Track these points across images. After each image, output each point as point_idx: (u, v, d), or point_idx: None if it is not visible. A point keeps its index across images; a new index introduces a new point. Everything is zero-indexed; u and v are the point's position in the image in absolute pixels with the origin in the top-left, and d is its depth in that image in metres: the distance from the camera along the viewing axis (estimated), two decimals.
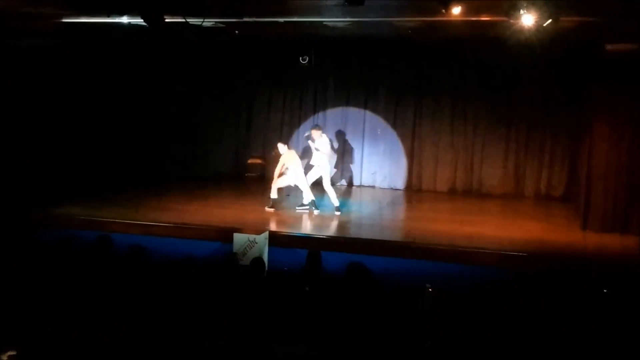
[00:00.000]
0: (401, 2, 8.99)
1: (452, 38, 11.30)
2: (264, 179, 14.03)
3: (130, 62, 13.85)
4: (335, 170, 13.66)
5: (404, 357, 4.07)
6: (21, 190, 11.14)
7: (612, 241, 9.68)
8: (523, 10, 8.29)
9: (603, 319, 5.16)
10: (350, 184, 14.33)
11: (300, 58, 12.88)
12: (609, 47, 9.83)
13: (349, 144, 14.23)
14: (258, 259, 6.52)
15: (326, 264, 6.82)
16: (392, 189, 14.08)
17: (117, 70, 13.56)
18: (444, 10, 8.39)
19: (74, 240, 6.50)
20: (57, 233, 8.98)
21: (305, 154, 12.30)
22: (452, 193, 13.66)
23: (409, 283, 6.80)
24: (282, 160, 11.02)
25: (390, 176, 14.17)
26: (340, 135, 14.19)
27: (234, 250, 8.31)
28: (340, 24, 10.33)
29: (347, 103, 14.32)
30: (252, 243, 8.47)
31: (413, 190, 13.93)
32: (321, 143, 11.14)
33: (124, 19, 10.19)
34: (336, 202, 10.94)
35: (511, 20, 8.67)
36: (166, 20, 9.37)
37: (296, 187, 11.17)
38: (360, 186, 14.30)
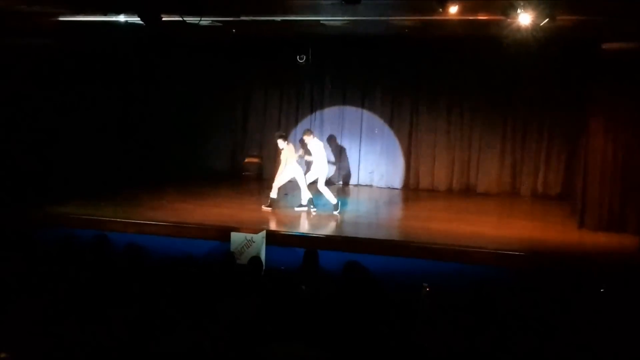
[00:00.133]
0: (398, 1, 8.99)
1: (449, 37, 11.30)
2: (261, 177, 14.03)
3: (128, 62, 13.82)
4: (333, 170, 13.64)
5: (403, 356, 4.07)
6: (21, 190, 11.13)
7: (609, 240, 9.70)
8: (520, 9, 8.29)
9: (601, 318, 5.17)
10: (347, 183, 14.33)
11: (298, 57, 12.87)
12: (605, 46, 9.85)
13: (346, 143, 14.25)
14: (255, 258, 6.51)
15: (323, 263, 6.81)
16: (389, 188, 14.09)
17: (116, 70, 13.53)
18: (440, 9, 8.39)
19: (73, 240, 6.48)
20: (56, 232, 8.96)
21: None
22: (449, 192, 13.67)
23: (406, 282, 6.80)
24: (283, 157, 11.01)
25: (387, 175, 14.18)
26: (337, 135, 14.20)
27: (232, 249, 8.30)
28: (337, 23, 10.32)
29: (344, 102, 14.32)
30: (249, 242, 8.46)
31: (410, 189, 13.94)
32: (314, 147, 11.14)
33: (121, 18, 10.17)
34: (333, 201, 10.94)
35: (508, 20, 8.68)
36: (163, 19, 9.36)
37: (293, 185, 11.15)
38: (357, 185, 14.31)
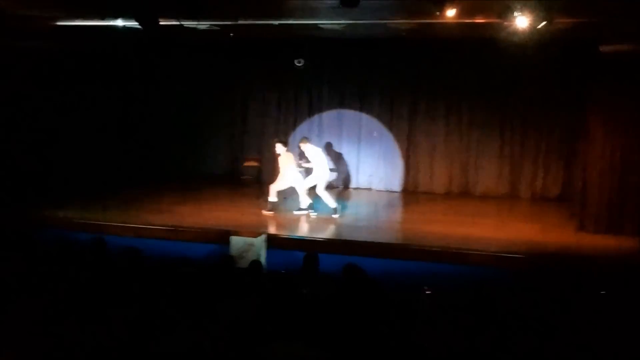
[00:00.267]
0: (395, 4, 9.00)
1: (448, 40, 11.33)
2: (260, 181, 14.02)
3: (128, 63, 13.84)
4: (333, 174, 13.61)
5: (402, 356, 4.07)
6: (21, 190, 11.13)
7: (608, 242, 9.69)
8: (517, 12, 8.31)
9: (601, 319, 5.17)
10: (346, 186, 14.33)
11: (295, 61, 12.88)
12: (603, 48, 9.86)
13: (345, 146, 14.25)
14: (256, 262, 6.52)
15: (324, 266, 6.81)
16: (388, 191, 14.09)
17: (115, 71, 13.56)
18: (438, 13, 8.41)
19: (72, 241, 6.48)
20: (56, 233, 8.99)
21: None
22: (449, 194, 13.68)
23: (406, 285, 6.80)
24: (281, 162, 11.01)
25: (386, 178, 14.18)
26: (336, 138, 14.20)
27: (231, 253, 8.30)
28: (334, 26, 10.33)
29: (343, 105, 14.33)
30: (249, 246, 8.46)
31: (409, 192, 13.94)
32: (311, 153, 11.13)
33: (119, 22, 10.19)
34: (333, 204, 10.93)
35: (505, 23, 8.70)
36: (161, 23, 9.37)
37: (292, 189, 11.15)
38: (356, 188, 14.31)
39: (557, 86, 12.67)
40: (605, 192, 10.18)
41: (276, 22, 10.07)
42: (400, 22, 10.03)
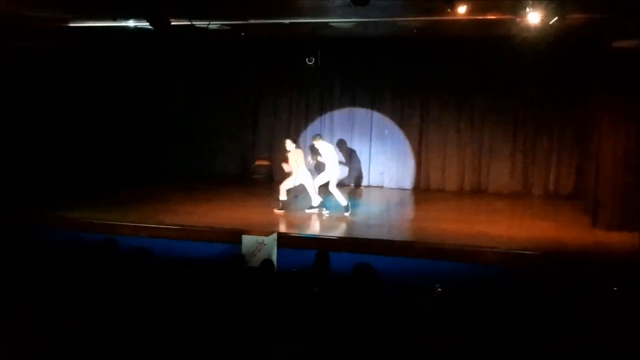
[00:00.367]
0: (406, 2, 8.98)
1: (458, 37, 11.28)
2: (272, 180, 14.03)
3: (133, 63, 13.88)
4: (345, 172, 13.61)
5: (401, 355, 4.06)
6: (21, 190, 11.19)
7: (622, 239, 9.62)
8: (529, 8, 8.27)
9: (604, 319, 5.13)
10: (358, 184, 14.32)
11: (307, 59, 12.88)
12: (615, 44, 9.78)
13: (357, 145, 14.23)
14: (267, 261, 6.51)
15: (335, 265, 6.80)
16: (400, 189, 14.07)
17: (118, 71, 13.59)
18: (449, 10, 8.38)
19: (75, 241, 6.49)
20: (57, 233, 9.02)
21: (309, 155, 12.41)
22: (460, 192, 13.64)
23: (418, 283, 6.78)
24: (291, 158, 11.02)
25: (397, 176, 14.16)
26: (347, 136, 14.19)
27: (243, 252, 8.30)
28: (345, 25, 10.33)
29: (354, 103, 14.32)
30: (260, 245, 8.46)
31: (421, 190, 13.92)
32: (324, 150, 11.12)
33: (130, 23, 10.23)
34: (344, 202, 10.92)
35: (517, 19, 8.65)
36: (172, 23, 9.40)
37: (302, 187, 11.15)
38: (368, 186, 14.30)
39: (569, 84, 12.58)
40: (618, 189, 10.12)
41: (287, 21, 10.07)
42: (411, 20, 10.01)
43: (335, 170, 11.11)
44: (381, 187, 14.25)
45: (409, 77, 13.81)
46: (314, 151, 11.37)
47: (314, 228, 10.53)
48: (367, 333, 4.26)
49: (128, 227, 9.96)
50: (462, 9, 8.50)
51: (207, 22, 9.92)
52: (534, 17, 8.37)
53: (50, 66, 12.24)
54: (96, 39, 11.90)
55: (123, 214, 10.70)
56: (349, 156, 14.13)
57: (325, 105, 14.52)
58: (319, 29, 10.75)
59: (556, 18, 8.28)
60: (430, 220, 11.07)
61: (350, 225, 10.55)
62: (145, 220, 10.32)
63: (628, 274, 7.79)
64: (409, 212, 12.77)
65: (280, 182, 11.33)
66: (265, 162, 14.49)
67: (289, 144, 11.10)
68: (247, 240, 8.55)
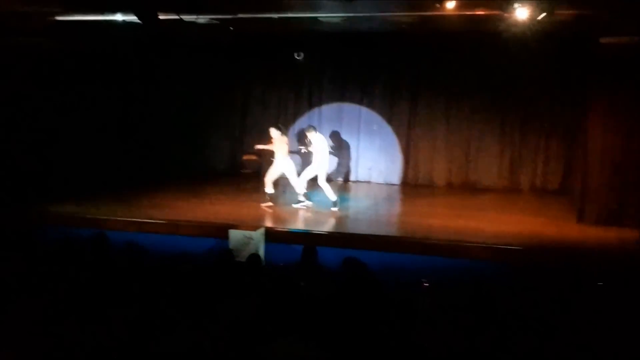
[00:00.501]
0: None
1: (448, 33, 11.29)
2: (260, 175, 14.00)
3: (127, 62, 13.81)
4: (333, 166, 13.63)
5: (401, 355, 4.07)
6: (21, 190, 11.14)
7: (608, 234, 9.69)
8: (517, 4, 8.30)
9: (601, 316, 5.17)
10: (346, 179, 14.33)
11: (295, 54, 12.87)
12: (603, 40, 9.84)
13: (345, 140, 14.23)
14: (254, 256, 6.52)
15: (322, 260, 6.82)
16: (388, 184, 14.09)
17: (115, 70, 13.51)
18: (438, 5, 8.39)
19: (73, 239, 6.49)
20: (56, 231, 9.00)
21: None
22: (449, 187, 13.69)
23: (406, 278, 6.81)
24: (275, 146, 11.01)
25: (386, 171, 14.19)
26: (335, 131, 14.18)
27: (230, 247, 8.30)
28: (335, 20, 10.31)
29: (343, 98, 14.32)
30: (248, 239, 8.46)
31: (409, 185, 13.95)
32: (318, 142, 11.10)
33: (118, 17, 10.17)
34: (333, 197, 10.92)
35: (506, 15, 8.68)
36: (160, 17, 9.36)
37: (287, 180, 11.14)
38: (356, 181, 14.32)
39: (557, 79, 12.65)
40: (605, 184, 10.19)
41: (276, 16, 10.05)
42: (400, 15, 10.00)
43: (324, 163, 11.08)
44: (369, 182, 14.28)
45: (398, 72, 13.82)
46: (305, 141, 11.33)
47: (302, 223, 10.53)
48: (365, 331, 4.28)
49: (117, 221, 9.92)
50: (450, 5, 8.53)
51: (196, 17, 9.89)
52: (522, 13, 8.40)
53: (50, 66, 12.13)
54: (94, 36, 11.85)
55: (112, 209, 10.65)
56: (338, 151, 14.12)
57: (313, 100, 14.51)
58: (308, 24, 10.72)
59: (544, 14, 8.31)
60: (418, 215, 11.09)
61: (338, 220, 10.55)
62: (133, 215, 10.29)
63: (614, 269, 7.87)
64: (397, 207, 12.81)
65: (265, 175, 11.32)
66: (254, 157, 14.45)
67: (273, 132, 11.09)
68: (235, 235, 8.55)
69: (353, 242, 9.07)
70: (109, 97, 13.54)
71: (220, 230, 9.06)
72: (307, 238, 9.10)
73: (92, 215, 10.20)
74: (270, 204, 11.04)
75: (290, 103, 14.65)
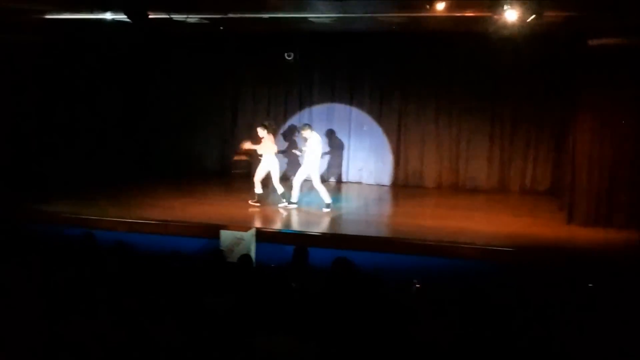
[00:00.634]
0: None
1: (438, 34, 11.34)
2: (250, 174, 13.99)
3: (118, 62, 13.77)
4: (323, 167, 13.62)
5: (392, 351, 4.08)
6: (20, 186, 11.11)
7: (597, 235, 9.75)
8: (507, 5, 8.33)
9: (591, 315, 5.20)
10: (336, 180, 14.32)
11: (286, 54, 12.86)
12: (591, 42, 9.90)
13: (335, 140, 14.22)
14: (245, 256, 6.50)
15: (313, 260, 6.82)
16: (378, 185, 14.10)
17: (106, 70, 13.49)
18: (428, 6, 8.41)
19: (61, 237, 6.47)
20: (45, 228, 8.97)
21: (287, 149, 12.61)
22: (439, 188, 13.70)
23: (396, 278, 6.81)
24: (262, 145, 11.02)
25: (376, 172, 14.19)
26: (326, 131, 14.18)
27: (221, 247, 8.29)
28: (325, 20, 10.32)
29: (333, 98, 14.31)
30: (239, 240, 8.45)
31: (399, 186, 13.96)
32: (313, 141, 11.07)
33: (108, 15, 10.13)
34: (327, 200, 10.92)
35: (495, 16, 8.71)
36: (150, 16, 9.32)
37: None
38: (346, 182, 14.31)
39: (546, 80, 12.69)
40: (594, 185, 10.25)
41: (266, 16, 10.04)
42: (390, 16, 10.02)
43: (315, 163, 11.06)
44: (359, 183, 14.27)
45: (388, 72, 13.82)
46: (296, 140, 11.31)
47: (293, 223, 10.53)
48: (353, 326, 4.28)
49: (107, 221, 9.88)
50: (440, 6, 8.55)
51: (186, 16, 9.86)
52: (511, 15, 8.43)
53: (44, 63, 12.13)
54: (85, 34, 11.83)
55: (102, 208, 10.61)
56: (328, 152, 14.12)
57: (304, 100, 14.49)
58: (298, 23, 10.72)
59: (534, 16, 8.35)
60: (409, 215, 11.11)
61: (329, 220, 10.56)
62: (123, 214, 10.25)
63: (603, 270, 7.91)
64: (387, 208, 12.82)
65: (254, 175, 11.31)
66: (244, 157, 14.41)
67: (260, 131, 11.08)
68: (226, 235, 8.54)
69: (344, 243, 9.08)
70: (98, 97, 13.50)
71: (211, 231, 9.05)
72: (298, 239, 9.10)
73: (83, 214, 10.16)
74: (258, 204, 11.03)
75: (280, 103, 14.62)
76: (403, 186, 13.94)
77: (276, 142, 11.52)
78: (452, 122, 13.64)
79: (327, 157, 13.98)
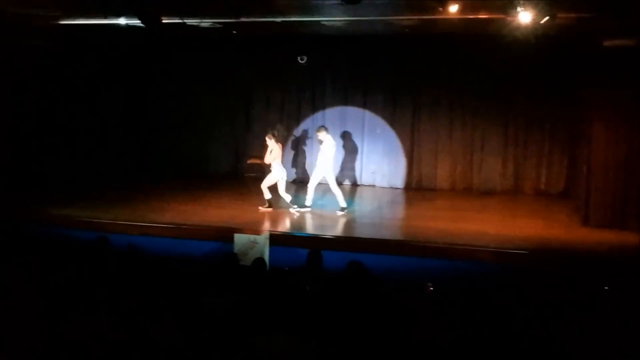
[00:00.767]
0: (398, 1, 8.99)
1: (450, 36, 11.31)
2: (264, 178, 14.02)
3: (131, 65, 13.84)
4: (338, 170, 13.62)
5: (392, 351, 4.08)
6: (21, 186, 11.16)
7: (612, 237, 9.68)
8: (520, 7, 8.30)
9: (603, 315, 5.16)
10: (350, 183, 14.31)
11: (299, 58, 12.88)
12: (606, 43, 9.83)
13: (348, 143, 14.22)
14: (259, 259, 6.52)
15: (327, 263, 6.81)
16: (391, 187, 14.08)
17: (117, 69, 13.57)
18: (441, 9, 8.40)
19: (73, 240, 6.51)
20: (57, 233, 9.01)
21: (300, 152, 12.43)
22: (452, 191, 13.66)
23: (410, 281, 6.80)
24: (269, 153, 11.06)
25: (389, 175, 14.17)
26: (339, 135, 14.18)
27: (235, 251, 8.29)
28: (337, 23, 10.33)
29: (346, 102, 14.31)
30: (253, 243, 8.45)
31: (413, 189, 13.93)
32: (328, 144, 11.07)
33: (122, 21, 10.19)
34: (343, 203, 10.92)
35: (508, 18, 8.69)
36: (163, 21, 9.37)
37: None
38: (360, 185, 14.30)
39: (560, 82, 12.63)
40: (608, 188, 10.18)
41: (279, 20, 10.06)
42: (402, 19, 10.01)
43: (328, 165, 11.06)
44: (373, 186, 14.25)
45: (401, 75, 13.80)
46: (318, 141, 11.32)
47: (307, 227, 10.53)
48: (364, 330, 4.28)
49: (120, 225, 9.92)
50: (453, 8, 8.54)
51: (199, 20, 9.91)
52: (525, 17, 8.40)
53: (52, 65, 12.24)
54: (95, 38, 11.90)
55: (115, 212, 10.66)
56: (341, 155, 14.12)
57: (317, 104, 14.50)
58: (311, 27, 10.74)
59: (547, 17, 8.31)
60: (422, 218, 11.08)
61: (343, 224, 10.56)
62: (137, 218, 10.29)
63: (619, 272, 7.85)
64: (401, 210, 12.79)
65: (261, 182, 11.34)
66: (258, 161, 14.43)
67: (267, 140, 11.13)
68: (240, 238, 8.54)
69: (357, 246, 9.08)
70: (112, 99, 13.59)
71: (225, 234, 9.05)
72: (312, 242, 9.09)
73: (95, 218, 10.21)
74: (270, 208, 11.05)
75: (293, 106, 14.64)
76: (416, 189, 13.91)
77: (285, 148, 11.49)
78: (465, 125, 13.60)
79: (340, 160, 13.98)
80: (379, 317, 4.51)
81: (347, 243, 9.29)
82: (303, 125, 14.42)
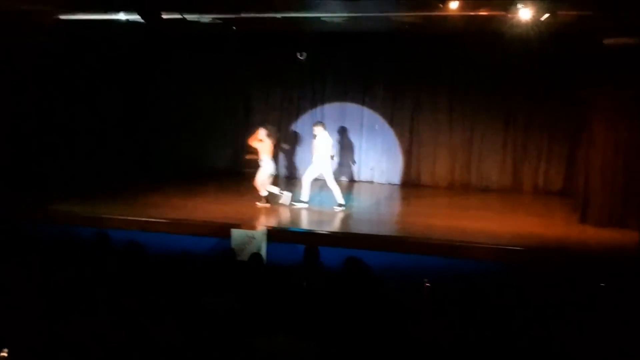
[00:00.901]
0: None
1: (450, 33, 11.28)
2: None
3: (129, 63, 13.83)
4: (335, 166, 13.62)
5: (392, 351, 4.08)
6: (21, 186, 11.15)
7: (610, 235, 9.68)
8: (520, 4, 8.29)
9: (601, 314, 5.17)
10: (348, 179, 14.31)
11: (298, 54, 12.86)
12: (606, 41, 9.82)
13: (347, 139, 14.21)
14: (256, 255, 6.52)
15: (324, 259, 6.81)
16: (390, 184, 14.08)
17: (116, 68, 13.55)
18: (441, 5, 8.39)
19: (73, 237, 6.50)
20: (56, 229, 8.98)
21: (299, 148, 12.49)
22: (451, 188, 13.65)
23: (407, 278, 6.80)
24: (262, 147, 11.07)
25: (388, 171, 14.17)
26: (338, 131, 14.18)
27: (232, 246, 8.30)
28: (337, 20, 10.31)
29: (345, 98, 14.31)
30: (250, 239, 8.47)
31: (411, 186, 13.92)
32: (323, 140, 11.08)
33: (121, 16, 10.18)
34: (340, 200, 10.91)
35: (509, 15, 8.67)
36: (163, 16, 9.36)
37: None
38: (358, 181, 14.30)
39: (559, 81, 12.63)
40: (607, 186, 10.18)
41: (279, 15, 10.05)
42: (402, 15, 10.00)
43: (324, 161, 11.05)
44: (371, 182, 14.26)
45: (401, 72, 13.80)
46: (314, 137, 11.34)
47: (304, 222, 10.52)
48: (362, 327, 4.28)
49: (118, 220, 9.91)
50: (453, 5, 8.52)
51: (199, 16, 9.90)
52: (525, 14, 8.39)
53: (53, 62, 12.19)
54: (95, 35, 11.87)
55: (114, 207, 10.65)
56: (340, 151, 14.11)
57: (316, 100, 14.49)
58: (311, 23, 10.72)
59: (547, 15, 8.30)
60: (420, 215, 11.08)
61: (341, 220, 10.55)
62: (135, 213, 10.28)
63: (616, 270, 7.85)
64: (399, 207, 12.80)
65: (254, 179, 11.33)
66: (256, 156, 14.44)
67: (261, 132, 11.10)
68: (237, 234, 8.56)
69: (355, 242, 9.06)
70: (112, 99, 13.57)
71: (222, 229, 9.06)
72: (309, 238, 9.10)
73: (94, 214, 10.20)
74: (268, 204, 11.05)
75: (292, 102, 14.63)
76: (415, 185, 13.90)
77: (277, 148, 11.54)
78: (464, 122, 13.60)
79: (339, 156, 13.97)
80: (378, 315, 4.51)
81: (344, 239, 9.28)
82: (302, 121, 14.40)
